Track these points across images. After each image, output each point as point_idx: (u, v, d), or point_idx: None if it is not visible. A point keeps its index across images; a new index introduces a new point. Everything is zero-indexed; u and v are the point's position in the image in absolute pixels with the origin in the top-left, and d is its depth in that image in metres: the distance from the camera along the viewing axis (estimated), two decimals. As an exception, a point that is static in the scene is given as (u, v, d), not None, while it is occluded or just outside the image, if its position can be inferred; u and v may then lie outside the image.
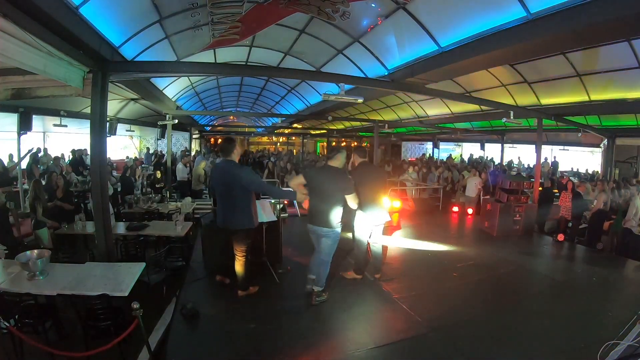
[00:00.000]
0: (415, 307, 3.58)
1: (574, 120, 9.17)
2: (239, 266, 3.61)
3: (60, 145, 11.12)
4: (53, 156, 9.93)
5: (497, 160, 14.35)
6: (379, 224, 4.05)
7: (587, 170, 12.79)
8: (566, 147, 13.26)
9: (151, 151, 14.44)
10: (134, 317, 2.56)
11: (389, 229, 4.32)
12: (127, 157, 13.67)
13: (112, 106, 10.36)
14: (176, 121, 9.95)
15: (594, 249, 6.22)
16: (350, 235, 4.48)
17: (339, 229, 3.56)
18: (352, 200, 3.57)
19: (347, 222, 4.02)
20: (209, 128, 22.22)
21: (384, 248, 4.47)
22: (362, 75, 7.78)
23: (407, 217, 7.86)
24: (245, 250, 3.60)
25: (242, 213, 3.47)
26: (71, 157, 10.51)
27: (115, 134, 11.33)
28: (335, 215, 3.50)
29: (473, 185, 8.67)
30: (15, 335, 2.90)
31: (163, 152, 13.25)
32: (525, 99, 8.98)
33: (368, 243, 5.36)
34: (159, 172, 10.13)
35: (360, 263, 4.28)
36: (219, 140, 27.36)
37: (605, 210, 6.31)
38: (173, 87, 10.06)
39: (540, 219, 7.31)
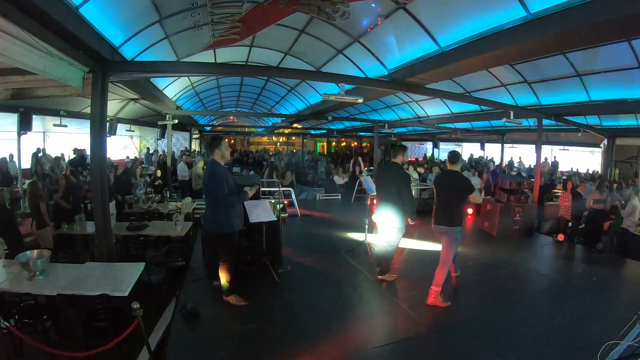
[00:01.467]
0: (415, 307, 3.58)
1: (574, 120, 9.17)
2: (220, 271, 3.50)
3: (60, 145, 11.12)
4: (53, 156, 9.93)
5: (497, 161, 14.35)
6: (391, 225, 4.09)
7: (587, 170, 12.80)
8: (566, 147, 13.27)
9: (151, 151, 14.43)
10: (134, 317, 2.56)
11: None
12: (127, 157, 13.67)
13: (112, 106, 10.35)
14: (176, 121, 9.95)
15: (594, 249, 6.23)
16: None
17: (456, 227, 3.69)
18: (476, 197, 3.72)
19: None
20: (209, 128, 22.20)
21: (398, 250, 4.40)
22: (362, 75, 7.77)
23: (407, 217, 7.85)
24: (224, 257, 3.45)
25: (212, 216, 3.41)
26: (72, 156, 10.50)
27: (115, 134, 11.33)
28: (457, 215, 3.71)
29: (472, 185, 8.66)
30: (15, 335, 2.90)
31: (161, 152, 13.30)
32: (525, 99, 8.98)
33: (369, 243, 5.38)
34: (159, 171, 10.13)
35: (382, 263, 4.27)
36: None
37: (606, 210, 6.31)
38: (173, 87, 10.05)
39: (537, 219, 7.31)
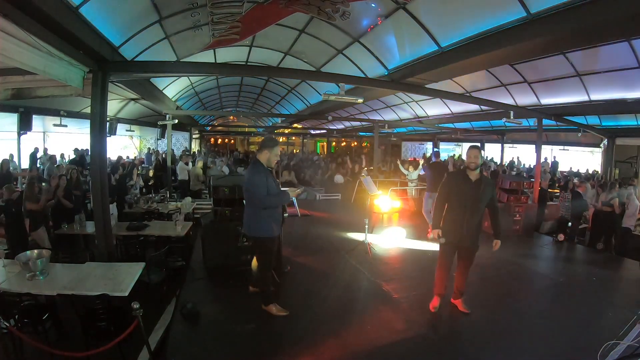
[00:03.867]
0: (415, 307, 3.58)
1: (574, 120, 9.17)
2: (259, 279, 3.46)
3: (60, 145, 11.11)
4: (48, 155, 9.89)
5: (497, 160, 14.36)
6: None
7: (587, 170, 12.80)
8: (566, 147, 13.26)
9: (150, 151, 14.45)
10: (134, 317, 2.56)
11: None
12: (127, 157, 13.67)
13: (112, 106, 10.36)
14: (176, 121, 9.95)
15: (594, 249, 6.22)
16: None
17: None
18: None
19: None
20: (208, 128, 22.21)
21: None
22: (362, 75, 7.78)
23: (407, 217, 7.87)
24: (263, 263, 3.35)
25: (248, 219, 3.25)
26: (72, 156, 10.49)
27: (115, 134, 11.34)
28: None
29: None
30: (15, 335, 2.90)
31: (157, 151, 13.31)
32: (525, 99, 8.98)
33: (369, 243, 5.38)
34: (152, 171, 10.15)
35: None
36: (219, 141, 27.41)
37: (615, 212, 6.25)
38: (173, 87, 10.05)
39: (537, 219, 7.30)
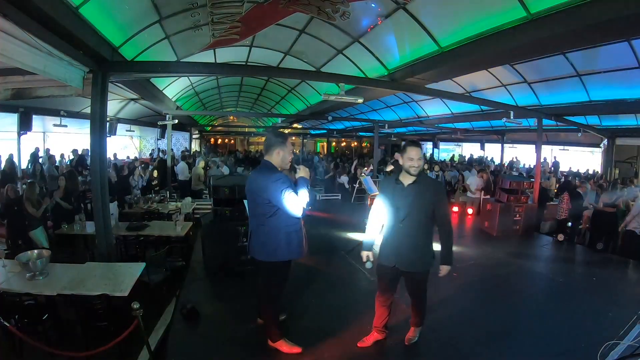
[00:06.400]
0: (415, 307, 3.57)
1: (574, 120, 9.17)
2: (264, 312, 2.86)
3: (60, 145, 11.11)
4: (48, 155, 9.88)
5: (497, 160, 14.36)
6: None
7: (587, 170, 12.80)
8: (566, 147, 13.27)
9: (158, 152, 14.46)
10: (134, 317, 2.56)
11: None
12: (127, 157, 13.67)
13: (112, 106, 10.36)
14: (176, 121, 9.96)
15: (594, 249, 6.22)
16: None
17: None
18: None
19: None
20: (208, 128, 22.22)
21: None
22: (362, 75, 7.78)
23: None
24: (267, 293, 2.70)
25: (263, 237, 2.55)
26: (71, 157, 10.49)
27: (115, 134, 11.33)
28: None
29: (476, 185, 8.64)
30: (15, 335, 2.90)
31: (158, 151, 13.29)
32: (525, 99, 8.98)
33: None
34: (155, 171, 10.15)
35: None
36: (219, 141, 27.40)
37: (610, 211, 6.22)
38: (173, 87, 10.05)
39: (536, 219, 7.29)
